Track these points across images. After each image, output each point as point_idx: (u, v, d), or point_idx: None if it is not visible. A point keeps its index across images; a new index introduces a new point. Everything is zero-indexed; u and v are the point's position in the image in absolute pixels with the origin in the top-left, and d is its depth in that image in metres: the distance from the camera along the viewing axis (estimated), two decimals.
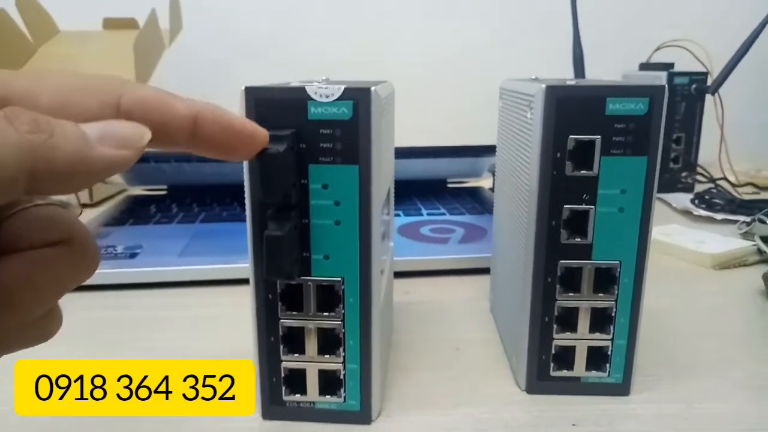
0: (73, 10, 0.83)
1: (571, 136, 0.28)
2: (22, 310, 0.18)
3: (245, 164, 0.26)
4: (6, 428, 0.29)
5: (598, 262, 0.30)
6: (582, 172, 0.29)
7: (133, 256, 0.50)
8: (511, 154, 0.35)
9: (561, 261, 0.30)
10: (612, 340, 0.31)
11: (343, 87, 0.25)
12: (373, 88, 0.25)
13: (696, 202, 0.71)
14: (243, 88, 0.25)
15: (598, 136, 0.28)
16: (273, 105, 0.25)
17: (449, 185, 0.76)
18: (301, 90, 0.25)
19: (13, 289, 0.17)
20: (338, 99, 0.25)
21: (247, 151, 0.22)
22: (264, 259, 0.24)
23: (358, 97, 0.25)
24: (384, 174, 0.28)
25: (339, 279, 0.27)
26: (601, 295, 0.30)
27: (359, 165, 0.26)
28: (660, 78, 0.78)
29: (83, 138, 0.16)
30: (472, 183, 0.78)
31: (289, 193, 0.25)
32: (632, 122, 0.28)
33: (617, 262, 0.30)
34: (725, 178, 0.80)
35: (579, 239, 0.29)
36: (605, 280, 0.30)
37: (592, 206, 0.29)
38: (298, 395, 0.29)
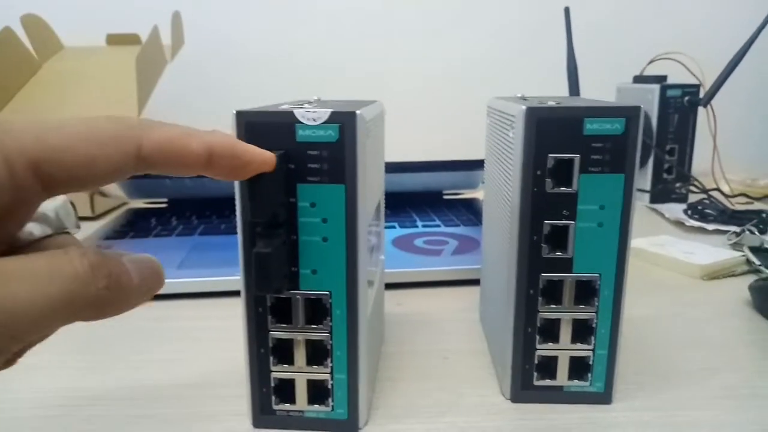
0: (78, 26, 0.86)
1: (550, 155, 0.29)
2: None
3: (236, 184, 0.27)
4: None
5: (579, 275, 0.31)
6: (562, 189, 0.30)
7: None
8: (497, 169, 0.36)
9: (543, 274, 0.31)
10: (593, 350, 0.32)
11: (329, 111, 0.26)
12: (358, 112, 0.26)
13: (689, 212, 0.72)
14: (234, 111, 0.27)
15: (577, 155, 0.29)
16: (263, 128, 0.27)
17: (445, 196, 0.78)
18: (290, 114, 0.26)
19: None
20: (325, 122, 0.26)
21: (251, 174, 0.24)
22: (253, 275, 0.26)
23: (344, 120, 0.26)
24: (371, 192, 0.29)
25: (326, 292, 0.28)
26: (582, 306, 0.31)
27: (345, 184, 0.27)
28: (653, 91, 0.79)
29: (132, 294, 0.19)
30: (468, 194, 0.79)
31: (277, 212, 0.26)
32: (609, 141, 0.29)
33: (597, 275, 0.31)
34: (718, 189, 0.81)
35: (560, 253, 0.31)
36: (586, 292, 0.31)
37: (572, 221, 0.30)
38: (287, 404, 0.30)
